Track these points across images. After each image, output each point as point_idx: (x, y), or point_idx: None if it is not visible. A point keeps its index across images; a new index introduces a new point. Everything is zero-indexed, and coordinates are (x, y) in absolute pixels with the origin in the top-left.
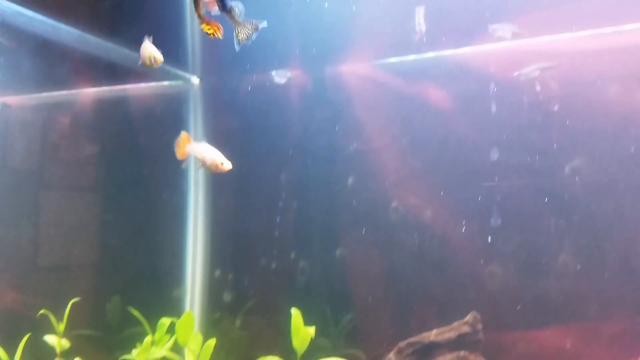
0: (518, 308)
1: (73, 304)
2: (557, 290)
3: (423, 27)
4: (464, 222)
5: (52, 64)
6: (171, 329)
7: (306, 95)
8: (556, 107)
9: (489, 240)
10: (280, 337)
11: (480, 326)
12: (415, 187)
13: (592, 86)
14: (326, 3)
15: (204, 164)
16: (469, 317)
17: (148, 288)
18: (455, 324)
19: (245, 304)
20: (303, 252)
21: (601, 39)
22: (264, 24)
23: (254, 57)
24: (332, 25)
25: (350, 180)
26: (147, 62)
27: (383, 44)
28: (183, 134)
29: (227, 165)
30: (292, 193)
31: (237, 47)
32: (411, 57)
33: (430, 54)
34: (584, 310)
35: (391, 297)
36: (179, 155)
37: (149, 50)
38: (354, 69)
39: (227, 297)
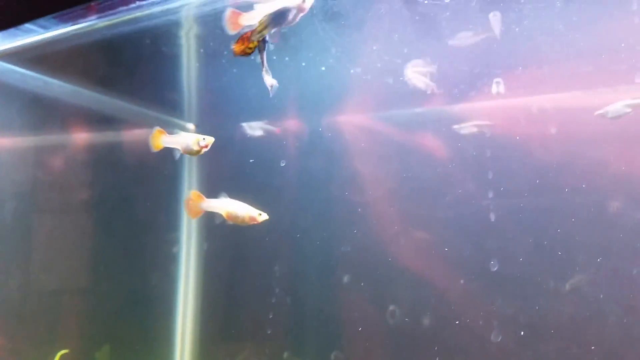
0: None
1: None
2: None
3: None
4: (461, 275)
5: (45, 115)
6: None
7: (301, 145)
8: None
9: (486, 296)
10: None
11: None
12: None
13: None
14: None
15: (232, 219)
16: None
17: (138, 335)
18: None
19: (239, 353)
20: (299, 304)
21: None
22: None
23: (250, 107)
24: (328, 84)
25: (345, 232)
26: (195, 147)
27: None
28: (193, 193)
29: (264, 216)
30: (287, 242)
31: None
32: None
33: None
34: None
35: (388, 344)
36: (192, 215)
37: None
38: (350, 120)
39: (219, 347)
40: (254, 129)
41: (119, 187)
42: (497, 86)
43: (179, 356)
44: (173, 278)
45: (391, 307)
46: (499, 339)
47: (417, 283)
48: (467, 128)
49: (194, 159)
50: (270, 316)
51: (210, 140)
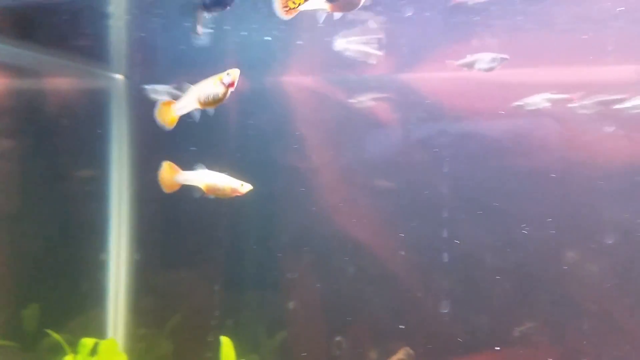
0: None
1: None
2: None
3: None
4: (405, 246)
5: None
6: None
7: (243, 101)
8: None
9: (432, 266)
10: (209, 354)
11: None
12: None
13: None
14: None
15: (212, 192)
16: (401, 354)
17: (68, 296)
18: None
19: (172, 317)
20: (234, 266)
21: None
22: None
23: (187, 58)
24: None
25: (286, 196)
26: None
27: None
28: (165, 164)
29: (247, 186)
30: (223, 206)
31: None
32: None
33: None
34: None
35: (326, 315)
36: (167, 189)
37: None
38: (294, 81)
39: (152, 311)
40: (159, 93)
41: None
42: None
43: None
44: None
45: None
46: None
47: (359, 250)
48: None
49: (126, 112)
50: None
51: (235, 73)
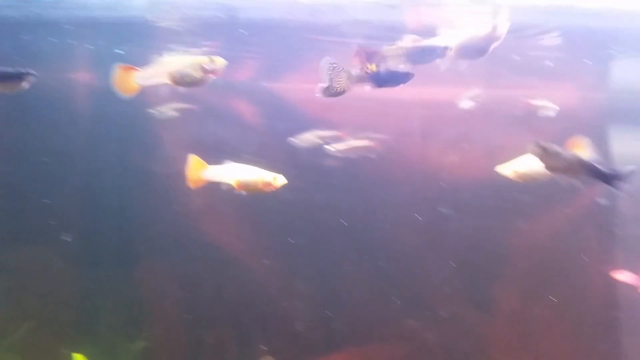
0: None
1: None
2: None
3: None
4: (269, 253)
5: None
6: None
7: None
8: None
9: (293, 271)
10: None
11: None
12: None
13: None
14: None
15: (244, 188)
16: None
17: None
18: None
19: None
20: (91, 273)
21: None
22: None
23: None
24: None
25: (145, 202)
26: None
27: None
28: (192, 158)
29: (281, 179)
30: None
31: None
32: None
33: None
34: (367, 336)
35: (188, 322)
36: (193, 184)
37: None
38: None
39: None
40: None
41: None
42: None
43: None
44: None
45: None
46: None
47: (223, 256)
48: None
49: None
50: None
51: (219, 62)
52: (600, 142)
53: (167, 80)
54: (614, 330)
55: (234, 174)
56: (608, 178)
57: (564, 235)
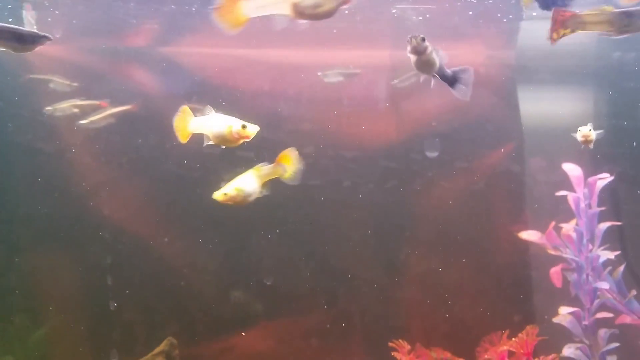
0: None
1: None
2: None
3: None
4: (169, 231)
5: None
6: None
7: None
8: None
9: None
10: None
11: (177, 352)
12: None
13: None
14: None
15: (218, 141)
16: (163, 346)
17: None
18: (149, 356)
19: None
20: None
21: None
22: None
23: None
24: None
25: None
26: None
27: None
28: (183, 109)
29: (253, 127)
30: None
31: None
32: None
33: None
34: (280, 309)
35: (87, 307)
36: (182, 137)
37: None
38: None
39: None
40: None
41: None
42: None
43: None
44: None
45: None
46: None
47: (120, 236)
48: None
49: None
50: None
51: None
52: (507, 99)
53: (286, 11)
54: (525, 290)
55: (211, 125)
56: (450, 80)
57: (473, 198)
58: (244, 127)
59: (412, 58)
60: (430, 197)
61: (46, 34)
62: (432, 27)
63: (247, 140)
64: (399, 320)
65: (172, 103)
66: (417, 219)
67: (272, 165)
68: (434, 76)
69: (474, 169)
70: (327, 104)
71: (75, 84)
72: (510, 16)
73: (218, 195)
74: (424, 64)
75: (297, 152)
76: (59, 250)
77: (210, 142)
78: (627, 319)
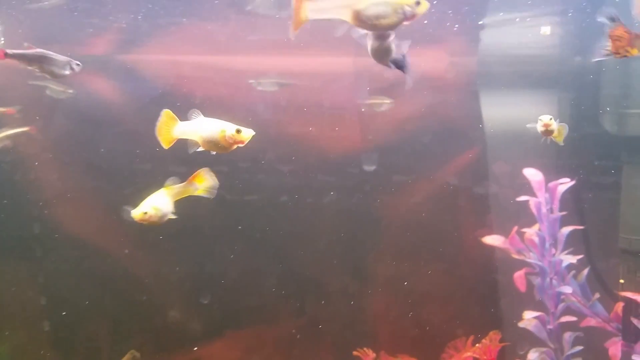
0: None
1: None
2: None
3: None
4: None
5: None
6: None
7: None
8: None
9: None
10: None
11: None
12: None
13: None
14: None
15: (209, 147)
16: (126, 359)
17: None
18: None
19: None
20: None
21: None
22: None
23: None
24: None
25: None
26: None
27: None
28: (165, 113)
29: (248, 131)
30: None
31: None
32: None
33: None
34: (246, 319)
35: (48, 317)
36: (165, 143)
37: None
38: None
39: None
40: None
41: None
42: None
43: None
44: None
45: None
46: None
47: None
48: None
49: None
50: None
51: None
52: (470, 105)
53: (347, 17)
54: (493, 295)
55: (199, 130)
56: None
57: (439, 204)
58: (238, 131)
59: (374, 44)
60: (396, 203)
61: (78, 62)
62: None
63: (240, 145)
64: (367, 327)
65: (130, 110)
66: (383, 226)
67: (183, 184)
68: (389, 65)
69: (438, 174)
70: (289, 110)
71: (71, 91)
72: (473, 22)
73: (137, 214)
74: (383, 51)
75: (210, 171)
76: (15, 263)
77: (199, 149)
78: (592, 321)
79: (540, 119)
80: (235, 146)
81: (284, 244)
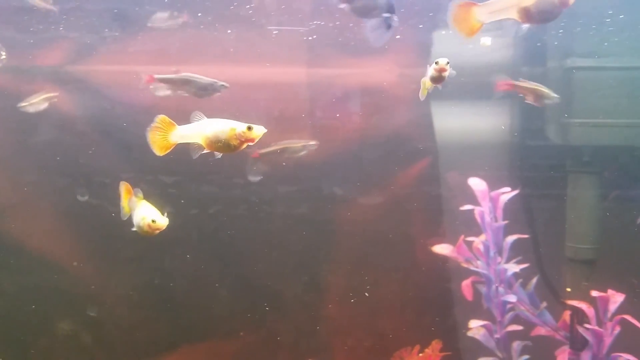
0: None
1: None
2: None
3: None
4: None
5: None
6: None
7: None
8: None
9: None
10: None
11: None
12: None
13: None
14: None
15: (214, 148)
16: None
17: None
18: None
19: None
20: None
21: None
22: None
23: None
24: None
25: None
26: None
27: None
28: (160, 119)
29: (259, 129)
30: None
31: None
32: None
33: None
34: (200, 333)
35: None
36: (161, 150)
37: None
38: None
39: None
40: None
41: None
42: None
43: None
44: None
45: None
46: None
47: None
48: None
49: None
50: None
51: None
52: (420, 115)
53: (515, 15)
54: (446, 303)
55: (202, 131)
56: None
57: (391, 214)
58: (249, 128)
59: None
60: (350, 214)
61: (224, 83)
62: (340, 45)
63: (251, 144)
64: (322, 336)
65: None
66: (337, 237)
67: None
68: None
69: (391, 185)
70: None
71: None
72: (422, 34)
73: (162, 222)
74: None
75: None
76: None
77: (204, 151)
78: (541, 330)
79: (436, 62)
80: (244, 145)
81: (240, 255)
